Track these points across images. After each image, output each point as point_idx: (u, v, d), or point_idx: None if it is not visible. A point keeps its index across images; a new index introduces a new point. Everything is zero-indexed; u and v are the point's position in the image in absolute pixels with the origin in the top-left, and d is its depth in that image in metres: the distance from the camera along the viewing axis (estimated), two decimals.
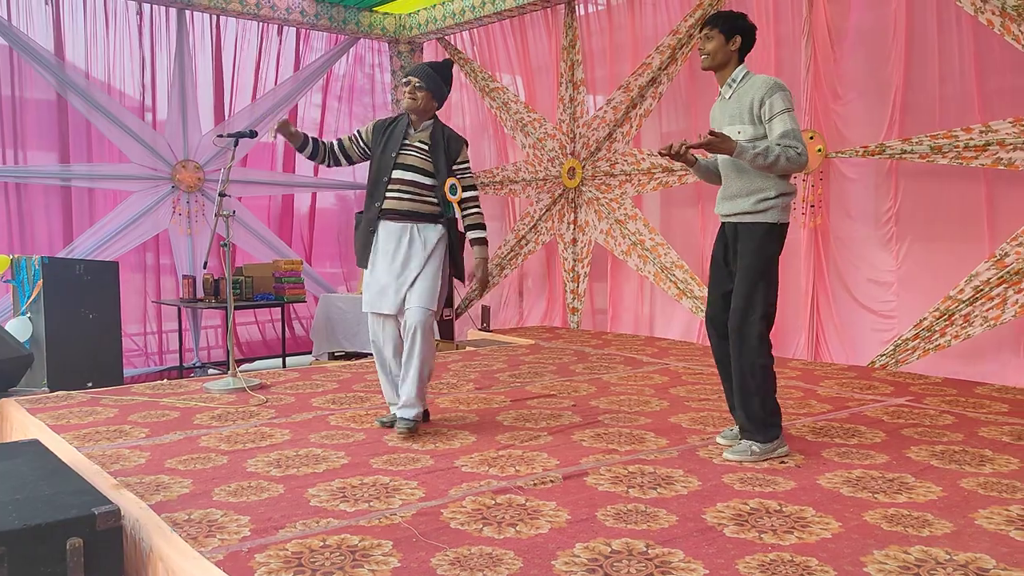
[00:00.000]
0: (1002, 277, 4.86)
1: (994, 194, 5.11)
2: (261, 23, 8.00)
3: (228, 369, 4.93)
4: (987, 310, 4.95)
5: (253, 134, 4.91)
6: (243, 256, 7.87)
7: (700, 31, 3.44)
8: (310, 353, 7.80)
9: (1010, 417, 3.94)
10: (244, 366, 7.26)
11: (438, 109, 3.87)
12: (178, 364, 7.37)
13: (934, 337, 5.19)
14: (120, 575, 2.48)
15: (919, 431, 3.68)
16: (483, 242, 3.85)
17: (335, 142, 3.96)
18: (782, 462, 3.22)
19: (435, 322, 3.75)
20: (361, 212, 3.88)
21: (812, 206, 5.80)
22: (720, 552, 2.32)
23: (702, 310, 6.49)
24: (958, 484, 2.91)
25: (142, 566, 2.50)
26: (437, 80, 3.78)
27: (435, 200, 3.77)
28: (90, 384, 5.22)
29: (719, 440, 3.57)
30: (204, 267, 5.03)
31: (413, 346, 3.64)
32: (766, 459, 3.26)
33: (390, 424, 3.79)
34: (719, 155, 3.38)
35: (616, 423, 3.89)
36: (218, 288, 7.12)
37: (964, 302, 5.02)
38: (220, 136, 5.14)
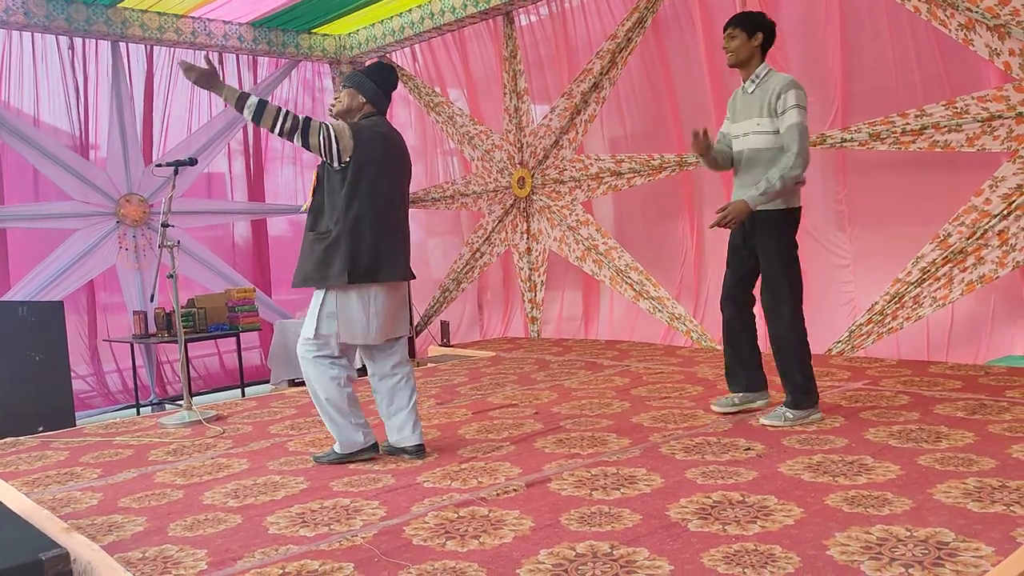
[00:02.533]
0: (947, 257, 4.95)
1: (935, 176, 5.21)
2: (197, 52, 7.91)
3: (184, 403, 4.82)
4: (935, 290, 5.04)
5: (193, 162, 4.85)
6: (197, 288, 7.73)
7: (724, 31, 3.72)
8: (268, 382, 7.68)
9: (963, 393, 4.01)
10: (205, 398, 7.12)
11: (367, 104, 3.53)
12: (134, 402, 7.21)
13: (887, 320, 5.26)
14: None
15: (876, 413, 3.73)
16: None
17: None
18: (747, 449, 3.22)
19: (306, 350, 3.48)
20: None
21: None
22: (685, 547, 2.31)
23: (659, 311, 6.53)
24: (916, 461, 2.94)
25: None
26: (357, 75, 3.59)
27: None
28: (41, 428, 5.07)
29: (714, 407, 3.92)
30: (152, 300, 4.94)
31: None
32: (799, 424, 3.55)
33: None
34: (739, 147, 3.73)
35: (578, 427, 3.87)
36: (170, 322, 6.99)
37: (912, 284, 5.11)
38: (159, 165, 5.04)
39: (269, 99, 8.41)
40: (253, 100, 3.33)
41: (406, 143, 3.67)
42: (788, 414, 3.60)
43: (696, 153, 3.79)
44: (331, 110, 3.60)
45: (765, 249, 3.67)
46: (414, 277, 3.67)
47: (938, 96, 5.04)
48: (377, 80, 3.57)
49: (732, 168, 3.85)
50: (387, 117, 3.66)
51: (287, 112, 3.39)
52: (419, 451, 3.53)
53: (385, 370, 3.59)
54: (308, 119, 3.39)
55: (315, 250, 3.41)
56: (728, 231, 3.77)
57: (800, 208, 3.67)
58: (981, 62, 4.88)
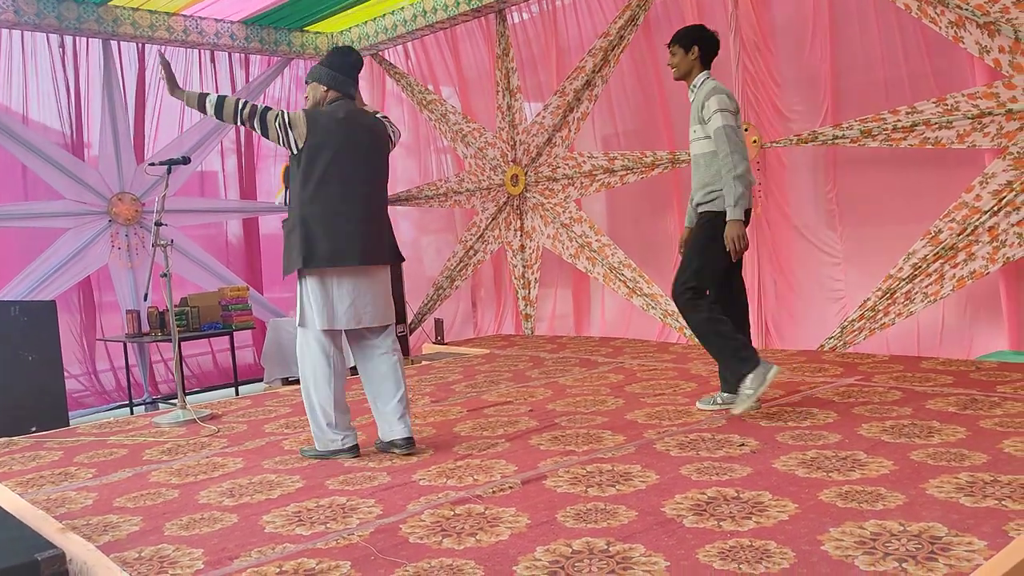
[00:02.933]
0: (938, 253, 4.98)
1: (925, 173, 5.24)
2: (190, 50, 7.88)
3: (178, 402, 4.82)
4: (926, 286, 5.06)
5: (186, 160, 4.84)
6: (190, 286, 7.72)
7: (667, 46, 3.98)
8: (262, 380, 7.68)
9: (955, 388, 4.03)
10: (198, 397, 7.11)
11: (330, 91, 3.60)
12: (127, 401, 7.19)
13: (878, 316, 5.29)
14: None
15: (869, 408, 3.75)
16: None
17: None
18: (741, 445, 3.24)
19: (301, 336, 3.58)
20: None
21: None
22: (680, 543, 2.33)
23: (653, 307, 6.54)
24: (908, 457, 2.96)
25: None
26: (314, 68, 3.66)
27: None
28: (34, 428, 5.06)
29: (699, 405, 4.03)
30: (146, 300, 4.93)
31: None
32: (761, 388, 3.63)
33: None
34: (692, 153, 3.97)
35: (573, 424, 3.88)
36: (163, 321, 6.97)
37: (904, 280, 5.13)
38: (152, 164, 5.03)
39: (261, 98, 8.42)
40: (213, 96, 3.50)
41: (383, 126, 3.67)
42: (747, 391, 3.67)
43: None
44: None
45: (695, 243, 3.93)
46: (394, 261, 3.67)
47: (924, 93, 5.07)
48: (332, 64, 3.62)
49: None
50: (365, 102, 3.73)
51: (245, 102, 3.52)
52: (407, 444, 3.52)
53: (369, 361, 3.61)
54: (266, 108, 3.52)
55: (285, 238, 3.56)
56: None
57: (748, 210, 3.79)
58: (966, 59, 4.91)
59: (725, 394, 3.95)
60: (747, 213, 3.76)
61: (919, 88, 5.13)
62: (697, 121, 3.84)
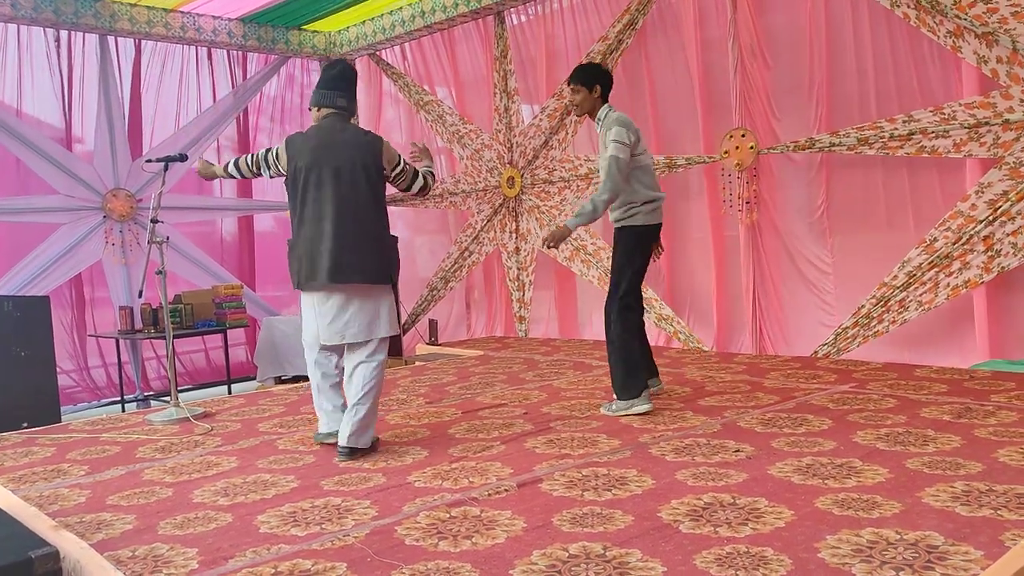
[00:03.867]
0: (932, 262, 5.00)
1: (919, 181, 5.27)
2: (187, 46, 7.86)
3: (171, 400, 4.80)
4: (920, 295, 5.08)
5: (183, 158, 4.83)
6: (184, 284, 7.69)
7: (568, 84, 4.24)
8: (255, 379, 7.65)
9: (949, 397, 4.05)
10: (191, 394, 7.09)
11: (319, 109, 3.72)
12: (119, 398, 7.16)
13: (872, 324, 5.31)
14: None
15: (864, 416, 3.76)
16: None
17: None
18: (737, 451, 3.24)
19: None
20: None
21: (747, 203, 5.90)
22: (677, 549, 2.33)
23: (647, 312, 6.53)
24: (904, 465, 2.97)
25: None
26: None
27: None
28: (26, 424, 5.03)
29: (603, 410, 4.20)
30: (140, 296, 4.90)
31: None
32: (621, 414, 4.05)
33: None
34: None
35: (568, 428, 3.88)
36: (157, 318, 6.95)
37: (898, 288, 5.15)
38: (149, 161, 5.01)
39: (257, 96, 8.41)
40: (229, 164, 3.94)
41: (369, 140, 3.63)
42: (614, 407, 4.10)
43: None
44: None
45: (621, 258, 4.22)
46: (374, 281, 3.55)
47: (921, 103, 5.09)
48: (319, 83, 3.76)
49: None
50: (362, 113, 3.83)
51: (251, 155, 3.86)
52: (341, 451, 3.55)
53: (350, 366, 3.66)
54: (265, 150, 3.81)
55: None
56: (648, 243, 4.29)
57: (654, 225, 4.22)
58: (953, 70, 4.94)
59: (654, 379, 4.44)
60: (658, 227, 4.25)
61: (912, 98, 5.16)
62: (601, 151, 4.15)
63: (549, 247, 4.08)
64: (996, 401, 3.89)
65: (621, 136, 4.00)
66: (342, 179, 3.54)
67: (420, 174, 3.79)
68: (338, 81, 3.68)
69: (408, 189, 3.77)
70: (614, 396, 4.16)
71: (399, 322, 3.73)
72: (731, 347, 6.16)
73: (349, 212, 3.54)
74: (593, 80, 4.15)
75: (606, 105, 4.18)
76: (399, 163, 3.72)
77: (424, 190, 3.82)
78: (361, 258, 3.52)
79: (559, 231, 4.01)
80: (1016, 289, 4.88)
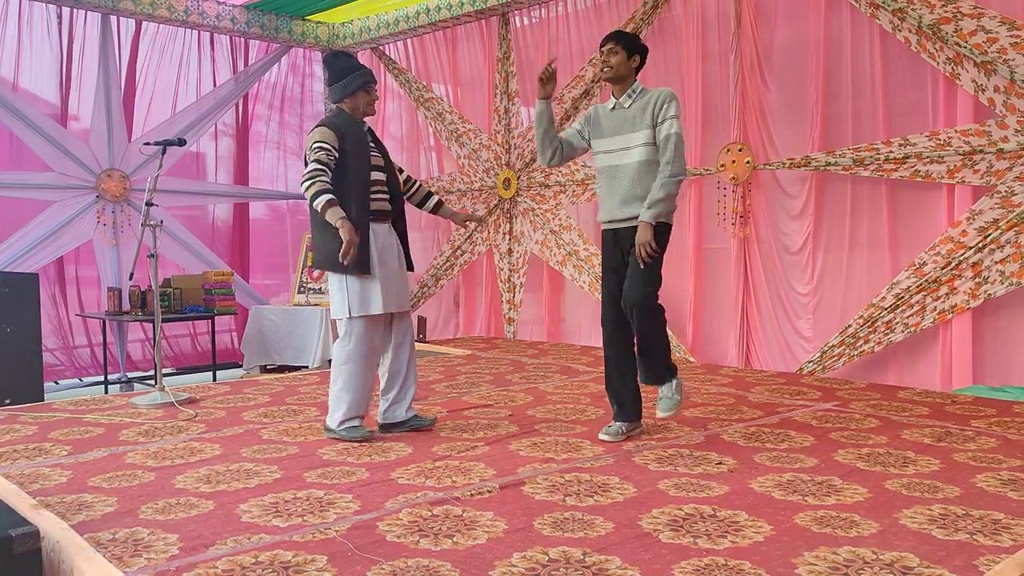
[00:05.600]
0: (921, 285, 5.05)
1: (907, 204, 5.31)
2: (189, 31, 7.84)
3: (156, 383, 4.79)
4: (907, 317, 5.13)
5: (182, 142, 4.82)
6: (173, 268, 7.67)
7: (603, 45, 3.72)
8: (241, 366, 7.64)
9: (931, 420, 4.09)
10: (175, 379, 7.07)
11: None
12: (103, 379, 7.13)
13: (858, 344, 5.35)
14: None
15: (846, 435, 3.79)
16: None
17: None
18: (719, 463, 3.27)
19: None
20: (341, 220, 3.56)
21: (741, 216, 5.93)
22: (656, 558, 2.34)
23: None
24: (883, 485, 3.00)
25: None
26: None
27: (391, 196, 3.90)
28: (8, 401, 5.01)
29: (602, 436, 3.74)
30: (130, 278, 4.90)
31: (413, 349, 3.96)
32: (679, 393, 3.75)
33: (391, 426, 3.92)
34: (613, 161, 3.73)
35: (553, 432, 3.90)
36: (145, 300, 6.92)
37: (886, 309, 5.20)
38: (147, 144, 5.00)
39: (256, 84, 8.39)
40: (319, 199, 3.55)
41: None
42: (671, 393, 3.73)
43: (541, 87, 3.85)
44: (377, 99, 3.97)
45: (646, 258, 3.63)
46: (325, 268, 3.79)
47: (914, 127, 5.14)
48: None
49: (548, 149, 3.95)
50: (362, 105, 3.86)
51: (317, 171, 3.62)
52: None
53: None
54: (316, 154, 3.68)
55: None
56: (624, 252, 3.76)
57: (671, 226, 3.72)
58: (952, 95, 4.99)
59: (626, 424, 3.80)
60: (670, 228, 3.71)
61: (905, 121, 5.21)
62: (646, 125, 3.61)
63: (650, 256, 3.56)
64: (976, 427, 3.93)
65: (679, 111, 3.62)
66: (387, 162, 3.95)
67: (306, 172, 3.63)
68: (342, 75, 3.83)
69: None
70: (657, 386, 3.76)
71: (348, 309, 3.70)
72: (718, 359, 6.19)
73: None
74: (634, 48, 3.71)
75: (637, 81, 3.75)
76: (304, 158, 3.75)
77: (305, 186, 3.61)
78: (314, 246, 3.83)
79: (645, 232, 3.53)
80: (1001, 316, 4.93)
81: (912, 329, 5.12)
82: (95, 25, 7.31)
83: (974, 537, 2.47)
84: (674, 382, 3.75)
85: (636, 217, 3.60)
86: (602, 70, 3.74)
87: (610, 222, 3.78)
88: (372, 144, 3.84)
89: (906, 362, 5.31)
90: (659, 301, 3.70)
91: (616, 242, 3.77)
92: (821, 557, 2.33)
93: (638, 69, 3.75)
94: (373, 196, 3.78)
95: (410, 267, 4.03)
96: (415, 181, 4.23)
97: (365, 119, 3.88)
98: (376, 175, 3.81)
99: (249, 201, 8.55)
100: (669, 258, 6.40)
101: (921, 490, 2.94)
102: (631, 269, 3.66)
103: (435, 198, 4.26)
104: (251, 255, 8.55)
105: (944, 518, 2.64)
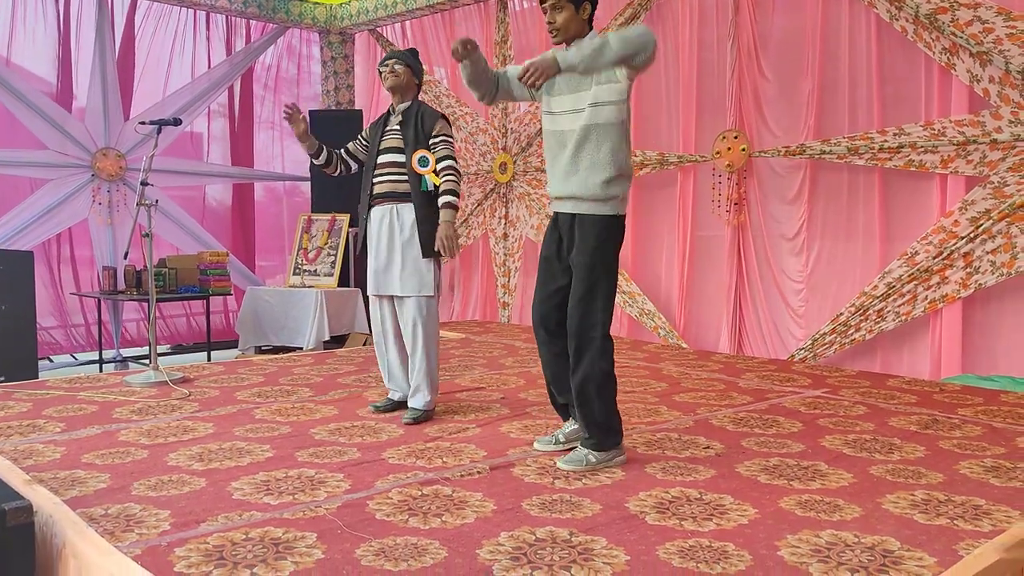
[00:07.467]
0: (912, 274, 5.07)
1: (901, 193, 5.33)
2: (187, 9, 7.80)
3: (150, 362, 4.81)
4: (899, 306, 5.16)
5: (177, 122, 4.82)
6: (169, 248, 7.67)
7: (543, 3, 3.09)
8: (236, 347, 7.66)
9: (918, 408, 4.12)
10: (169, 359, 7.08)
11: (418, 87, 4.01)
12: (97, 358, 7.15)
13: (849, 332, 5.38)
14: (32, 574, 2.40)
15: (834, 421, 3.83)
16: (447, 206, 3.75)
17: (342, 149, 4.10)
18: (707, 448, 3.30)
19: (435, 303, 3.90)
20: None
21: (735, 204, 5.95)
22: (641, 539, 2.38)
23: (630, 305, 6.60)
24: (868, 471, 3.04)
25: (52, 564, 2.42)
26: (413, 58, 3.96)
27: (407, 177, 3.84)
28: (2, 378, 5.03)
29: (536, 446, 3.32)
30: (125, 258, 4.91)
31: (416, 340, 3.83)
32: (603, 466, 3.06)
33: (388, 409, 3.97)
34: (567, 125, 3.09)
35: (544, 415, 3.93)
36: (140, 280, 6.93)
37: (878, 298, 5.23)
38: (142, 123, 5.00)
39: (252, 64, 8.36)
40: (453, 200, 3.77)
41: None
42: (591, 457, 3.06)
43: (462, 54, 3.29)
44: (395, 78, 3.92)
45: (580, 259, 3.07)
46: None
47: (907, 117, 5.15)
48: (422, 70, 4.09)
49: (481, 83, 3.46)
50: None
51: (454, 178, 3.81)
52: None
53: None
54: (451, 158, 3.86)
55: None
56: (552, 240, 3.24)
57: (624, 217, 3.14)
58: (947, 85, 5.00)
59: (568, 430, 3.33)
60: (623, 220, 3.14)
61: (899, 111, 5.22)
62: (610, 79, 3.01)
63: (532, 82, 2.96)
64: (963, 415, 3.97)
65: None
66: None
67: None
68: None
69: None
70: (581, 445, 3.13)
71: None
72: (710, 346, 6.23)
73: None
74: None
75: (593, 31, 3.12)
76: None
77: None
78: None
79: (548, 61, 2.93)
80: (992, 305, 4.96)
81: (903, 318, 5.15)
82: (91, 2, 7.27)
83: (955, 522, 2.51)
84: (611, 453, 3.09)
85: (578, 197, 3.05)
86: (550, 32, 3.11)
87: (557, 199, 3.17)
88: (388, 128, 3.93)
89: (896, 350, 5.35)
90: (610, 332, 3.07)
91: (555, 226, 3.20)
92: (804, 540, 2.37)
93: (591, 19, 3.11)
94: (375, 180, 3.87)
95: (425, 253, 3.78)
96: (445, 175, 3.79)
97: (396, 94, 3.94)
98: (385, 157, 3.87)
99: (246, 182, 8.53)
100: (661, 246, 6.55)
101: (905, 476, 2.98)
102: (574, 281, 3.09)
103: (439, 200, 3.79)
104: (247, 236, 8.55)
105: (926, 503, 2.68)
